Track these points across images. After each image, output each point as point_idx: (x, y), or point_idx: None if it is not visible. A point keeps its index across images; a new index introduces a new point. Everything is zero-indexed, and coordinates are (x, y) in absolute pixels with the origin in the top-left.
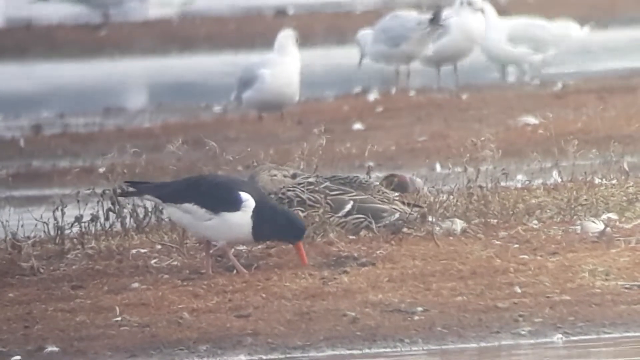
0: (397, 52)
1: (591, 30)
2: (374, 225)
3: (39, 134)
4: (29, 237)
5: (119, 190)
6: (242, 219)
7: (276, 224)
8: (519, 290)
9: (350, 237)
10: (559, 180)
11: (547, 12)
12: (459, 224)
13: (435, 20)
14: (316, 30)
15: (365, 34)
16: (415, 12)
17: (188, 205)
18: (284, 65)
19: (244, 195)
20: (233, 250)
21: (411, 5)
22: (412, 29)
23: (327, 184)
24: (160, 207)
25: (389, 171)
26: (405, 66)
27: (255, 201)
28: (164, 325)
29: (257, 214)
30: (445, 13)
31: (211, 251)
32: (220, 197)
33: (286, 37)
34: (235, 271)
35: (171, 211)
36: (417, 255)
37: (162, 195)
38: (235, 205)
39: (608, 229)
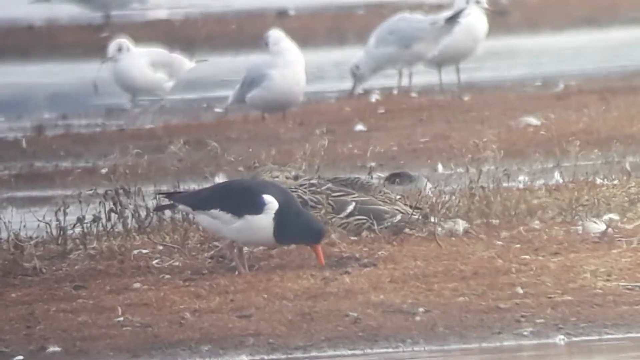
0: (407, 53)
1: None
2: (375, 226)
3: (41, 134)
4: (31, 238)
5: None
6: (264, 221)
7: (297, 226)
8: (520, 291)
9: (352, 238)
10: (561, 180)
11: (548, 13)
12: (461, 225)
13: (453, 19)
14: (317, 31)
15: (361, 57)
16: (419, 14)
17: (215, 211)
18: (292, 65)
19: (267, 197)
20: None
21: (413, 7)
22: (424, 29)
23: (329, 185)
24: (192, 216)
25: (391, 172)
26: (407, 67)
27: (279, 204)
28: (165, 326)
29: (279, 216)
30: (446, 13)
31: (213, 252)
32: (243, 201)
33: (276, 37)
34: (237, 272)
35: (201, 218)
36: (418, 255)
37: (192, 204)
38: (258, 208)
39: (610, 229)
